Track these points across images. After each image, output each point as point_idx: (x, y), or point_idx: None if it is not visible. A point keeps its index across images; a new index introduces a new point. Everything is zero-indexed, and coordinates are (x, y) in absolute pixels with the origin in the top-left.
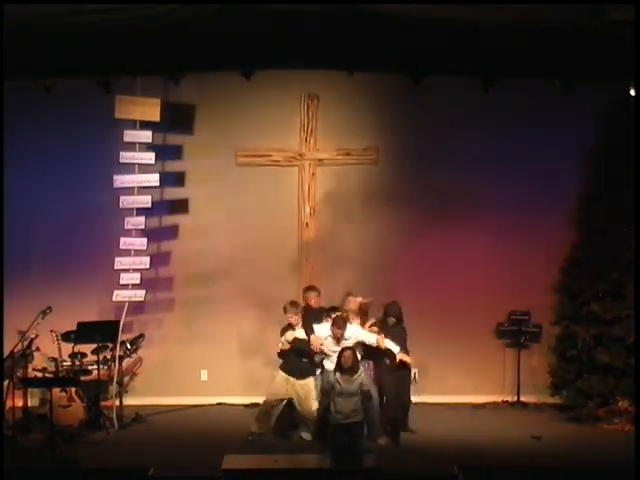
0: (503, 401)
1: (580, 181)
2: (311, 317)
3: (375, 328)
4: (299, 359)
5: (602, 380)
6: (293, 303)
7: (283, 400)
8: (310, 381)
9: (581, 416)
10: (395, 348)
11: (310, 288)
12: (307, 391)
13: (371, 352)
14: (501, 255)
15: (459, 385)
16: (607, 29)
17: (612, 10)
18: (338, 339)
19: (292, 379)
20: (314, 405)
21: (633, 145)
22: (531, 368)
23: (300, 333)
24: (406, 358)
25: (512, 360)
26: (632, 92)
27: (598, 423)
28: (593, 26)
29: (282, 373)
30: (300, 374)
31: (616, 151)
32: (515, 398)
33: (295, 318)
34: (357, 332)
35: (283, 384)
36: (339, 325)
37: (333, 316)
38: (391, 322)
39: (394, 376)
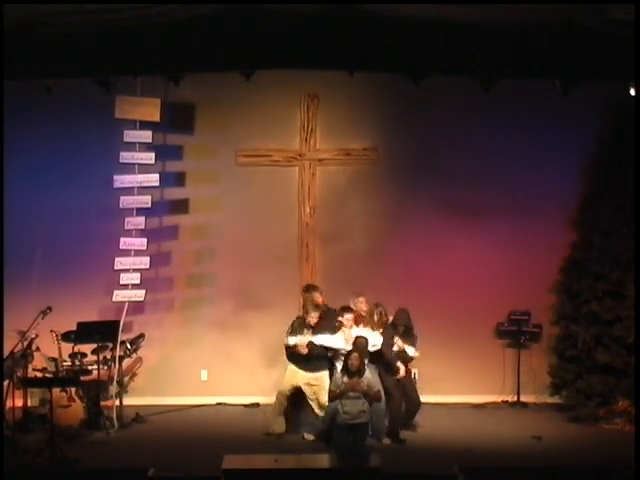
0: (503, 401)
1: (580, 181)
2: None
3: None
4: (310, 357)
5: (602, 380)
6: (317, 306)
7: (295, 389)
8: (324, 375)
9: (581, 416)
10: (410, 350)
11: (313, 288)
12: (321, 384)
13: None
14: (501, 255)
15: (459, 385)
16: (607, 29)
17: (612, 10)
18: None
19: (302, 372)
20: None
21: (633, 145)
22: (531, 368)
23: (318, 339)
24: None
25: (512, 360)
26: (632, 92)
27: (598, 423)
28: (593, 26)
29: (292, 366)
30: (309, 368)
31: (616, 151)
32: (515, 398)
33: (314, 319)
34: (378, 341)
35: (295, 374)
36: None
37: (346, 316)
38: (401, 330)
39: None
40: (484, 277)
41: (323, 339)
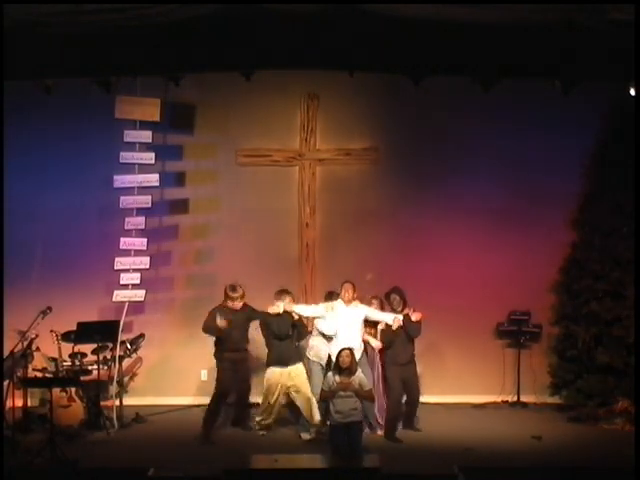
0: (503, 401)
1: (580, 181)
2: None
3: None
4: (287, 345)
5: (602, 380)
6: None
7: (279, 397)
8: (302, 372)
9: (581, 416)
10: (389, 317)
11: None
12: (301, 382)
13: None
14: (501, 255)
15: (459, 385)
16: (607, 29)
17: (612, 10)
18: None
19: (285, 371)
20: (312, 398)
21: (633, 145)
22: (531, 368)
23: (300, 310)
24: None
25: (512, 360)
26: (632, 92)
27: (598, 423)
28: (593, 26)
29: (274, 368)
30: (290, 361)
31: (616, 151)
32: (515, 398)
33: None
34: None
35: (277, 380)
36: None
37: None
38: (395, 300)
39: (402, 370)
40: (484, 277)
41: (303, 309)
